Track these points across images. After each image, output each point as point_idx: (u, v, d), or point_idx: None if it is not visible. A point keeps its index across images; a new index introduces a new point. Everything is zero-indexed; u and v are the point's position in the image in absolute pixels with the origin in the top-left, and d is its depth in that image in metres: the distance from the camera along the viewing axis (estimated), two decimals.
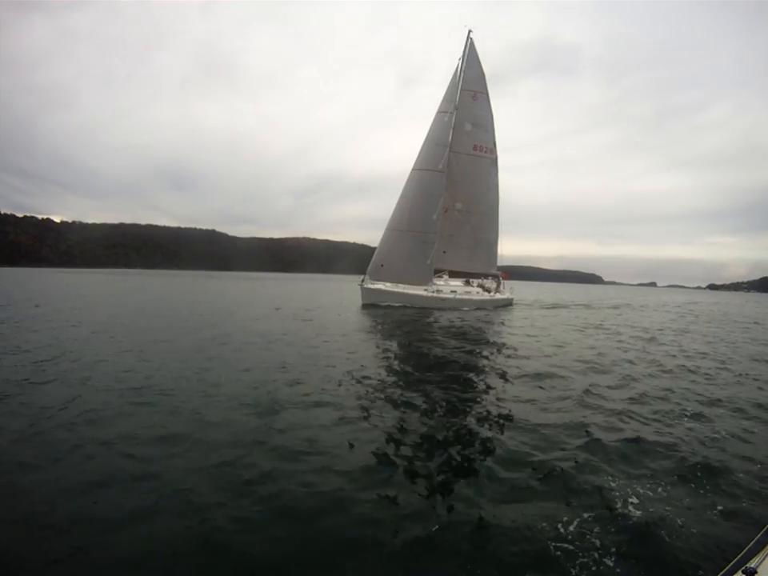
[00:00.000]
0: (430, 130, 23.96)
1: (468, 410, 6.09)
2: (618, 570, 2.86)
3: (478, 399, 6.69)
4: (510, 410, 5.96)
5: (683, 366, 9.58)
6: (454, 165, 24.23)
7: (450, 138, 24.01)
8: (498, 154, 26.30)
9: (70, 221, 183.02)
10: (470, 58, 24.52)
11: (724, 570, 1.88)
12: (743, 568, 1.73)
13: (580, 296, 48.59)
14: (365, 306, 21.93)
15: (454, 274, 26.55)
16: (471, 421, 5.60)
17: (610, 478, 4.09)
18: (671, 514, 3.51)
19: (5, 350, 8.87)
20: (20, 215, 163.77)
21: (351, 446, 4.65)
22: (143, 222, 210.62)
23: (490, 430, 5.27)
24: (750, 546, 2.02)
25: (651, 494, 3.84)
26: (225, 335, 11.54)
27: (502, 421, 5.60)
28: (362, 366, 8.49)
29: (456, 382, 7.44)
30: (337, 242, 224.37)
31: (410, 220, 23.26)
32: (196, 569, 2.85)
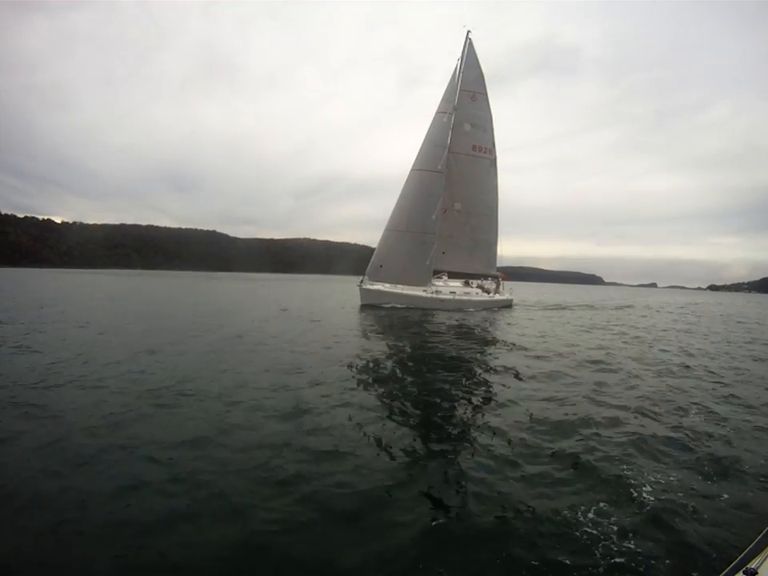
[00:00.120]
0: (429, 131, 23.96)
1: (485, 405, 6.29)
2: (639, 551, 3.00)
3: (494, 396, 6.83)
4: (527, 408, 6.11)
5: (690, 365, 9.77)
6: (453, 165, 24.23)
7: (449, 138, 24.01)
8: (498, 154, 26.33)
9: (70, 221, 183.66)
10: (469, 59, 24.53)
11: (725, 571, 1.85)
12: (744, 569, 1.71)
13: (582, 297, 48.55)
14: (364, 307, 21.92)
15: (453, 275, 26.52)
16: (490, 416, 5.76)
17: (625, 468, 4.28)
18: (683, 502, 3.68)
19: (15, 351, 8.81)
20: (21, 216, 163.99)
21: (379, 445, 4.70)
22: (144, 223, 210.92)
23: (509, 424, 5.42)
24: (751, 546, 1.98)
25: (663, 482, 4.01)
26: (236, 336, 11.51)
27: (520, 416, 5.76)
28: (377, 366, 8.65)
29: (471, 380, 7.66)
30: (337, 243, 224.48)
31: (409, 220, 23.24)
32: (237, 572, 2.81)
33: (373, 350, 10.43)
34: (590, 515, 3.41)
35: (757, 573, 1.67)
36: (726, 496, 3.82)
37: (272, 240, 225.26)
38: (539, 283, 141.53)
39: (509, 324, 17.76)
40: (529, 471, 4.17)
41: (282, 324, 14.68)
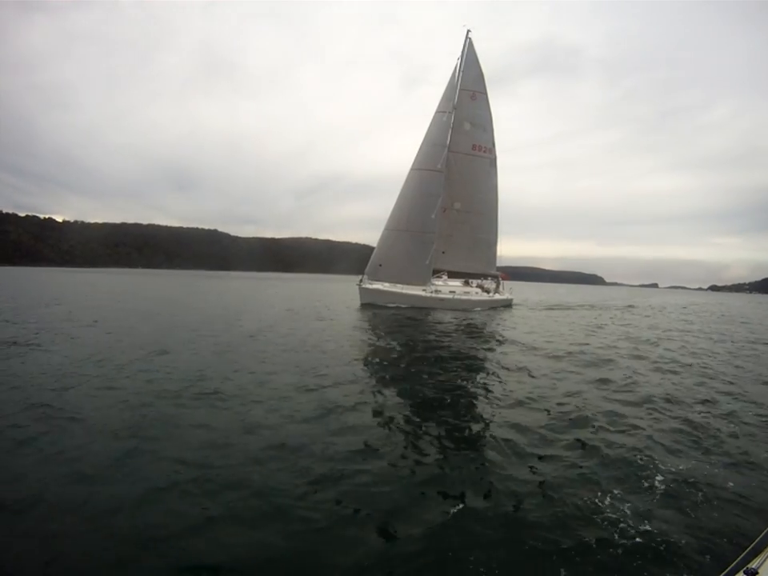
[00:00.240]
0: (428, 130, 23.95)
1: (502, 402, 6.42)
2: (655, 532, 3.23)
3: (510, 393, 6.94)
4: (544, 405, 6.30)
5: (695, 363, 9.94)
6: (452, 164, 24.21)
7: (449, 137, 24.00)
8: (499, 154, 26.26)
9: (71, 220, 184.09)
10: (469, 58, 24.49)
11: (726, 571, 1.85)
12: (744, 569, 1.71)
13: (583, 297, 48.37)
14: (363, 306, 21.91)
15: (453, 275, 26.48)
16: (508, 412, 5.96)
17: (639, 457, 4.52)
18: (693, 490, 3.91)
19: (27, 351, 8.76)
20: (22, 214, 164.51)
21: (406, 446, 4.73)
22: (145, 222, 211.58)
23: (528, 420, 5.57)
24: (751, 546, 1.98)
25: (674, 471, 4.23)
26: (247, 336, 11.45)
27: (538, 412, 5.95)
28: (391, 365, 8.77)
29: (486, 378, 7.87)
30: (337, 242, 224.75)
31: (409, 220, 23.23)
32: (284, 573, 2.78)
33: (385, 349, 10.54)
34: (607, 500, 3.66)
35: (757, 573, 1.67)
36: (731, 484, 4.03)
37: (273, 239, 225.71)
38: (540, 283, 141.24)
39: (515, 324, 17.77)
40: (549, 463, 4.36)
41: (290, 323, 14.65)
